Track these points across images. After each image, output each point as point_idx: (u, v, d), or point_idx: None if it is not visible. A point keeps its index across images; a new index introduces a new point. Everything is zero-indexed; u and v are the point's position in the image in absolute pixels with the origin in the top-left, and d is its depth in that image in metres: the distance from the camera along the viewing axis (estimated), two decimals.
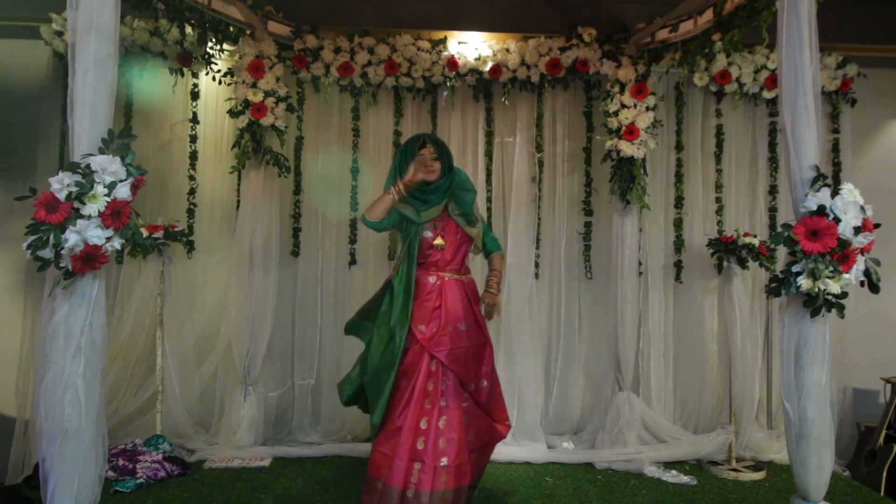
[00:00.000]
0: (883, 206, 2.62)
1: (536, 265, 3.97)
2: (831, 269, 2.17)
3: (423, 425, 2.62)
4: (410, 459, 2.58)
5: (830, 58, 3.93)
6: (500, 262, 3.06)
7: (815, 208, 2.19)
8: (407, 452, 2.57)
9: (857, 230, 2.19)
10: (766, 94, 3.92)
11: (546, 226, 4.00)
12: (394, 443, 2.60)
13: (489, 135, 4.00)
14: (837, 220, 2.17)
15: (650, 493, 3.15)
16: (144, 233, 3.39)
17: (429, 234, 2.81)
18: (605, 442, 3.65)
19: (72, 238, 1.86)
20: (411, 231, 2.81)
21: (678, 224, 3.97)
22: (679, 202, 3.97)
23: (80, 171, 1.89)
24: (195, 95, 3.88)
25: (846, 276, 2.20)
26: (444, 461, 2.59)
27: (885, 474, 3.38)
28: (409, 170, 2.76)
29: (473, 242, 2.92)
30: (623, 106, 3.65)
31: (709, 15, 3.16)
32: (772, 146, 4.02)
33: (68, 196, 1.87)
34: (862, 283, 2.30)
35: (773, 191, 4.01)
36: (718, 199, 3.99)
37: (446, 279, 2.83)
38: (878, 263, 2.30)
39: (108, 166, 1.92)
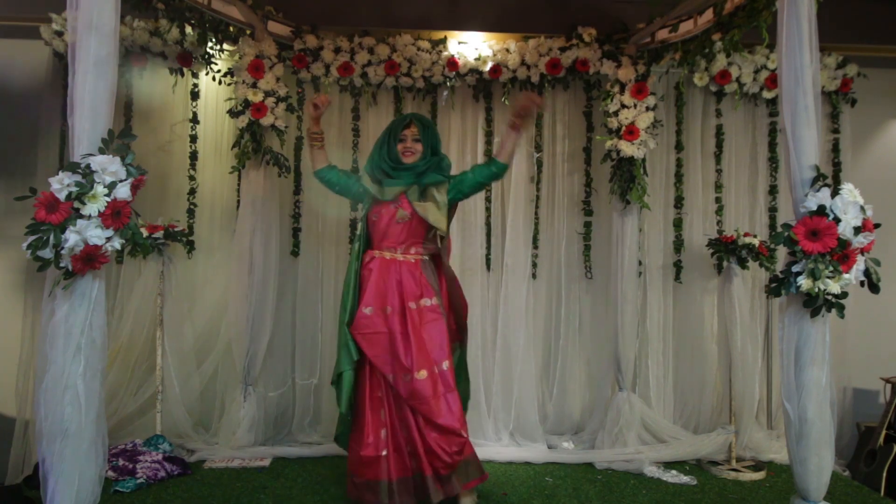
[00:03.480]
0: (883, 206, 2.62)
1: (534, 265, 3.97)
2: (831, 269, 2.18)
3: (381, 416, 2.70)
4: (377, 449, 2.66)
5: (830, 58, 3.92)
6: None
7: (815, 208, 2.19)
8: (373, 444, 2.67)
9: (857, 230, 2.19)
10: (766, 94, 3.91)
11: (545, 226, 4.00)
12: (358, 437, 2.71)
13: (489, 135, 4.00)
14: (837, 220, 2.17)
15: (650, 493, 3.15)
16: (144, 233, 3.39)
17: (371, 208, 2.85)
18: (605, 442, 3.65)
19: (72, 238, 1.87)
20: (364, 205, 2.88)
21: (678, 224, 3.97)
22: (679, 202, 3.97)
23: (80, 171, 1.90)
24: (195, 95, 3.88)
25: (846, 276, 2.20)
26: (384, 452, 2.68)
27: (885, 474, 3.37)
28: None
29: (431, 225, 2.78)
30: (623, 106, 3.64)
31: (709, 15, 3.16)
32: (772, 146, 4.01)
33: (68, 196, 1.88)
34: (862, 283, 2.30)
35: (773, 191, 4.01)
36: (718, 199, 3.99)
37: (385, 257, 2.81)
38: (878, 263, 2.30)
39: (108, 166, 1.93)
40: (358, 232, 2.92)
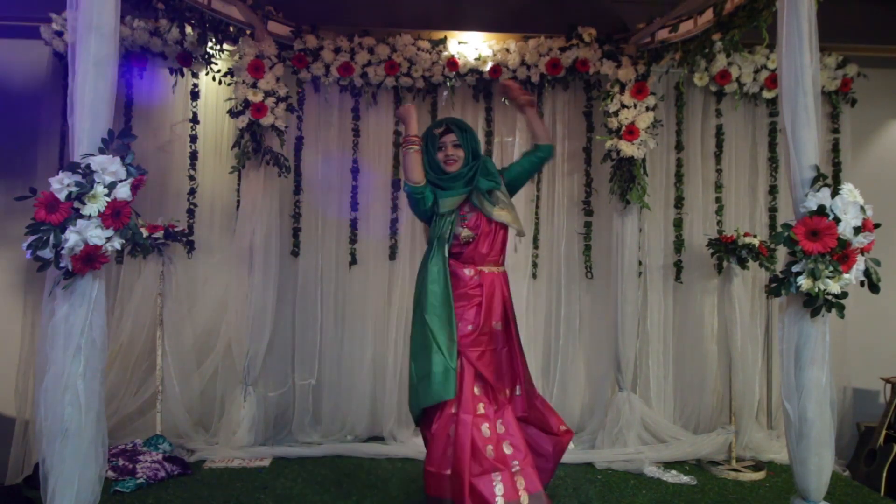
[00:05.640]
0: (883, 206, 2.62)
1: (534, 265, 3.97)
2: (831, 269, 2.17)
3: (485, 432, 2.43)
4: (483, 472, 2.37)
5: (830, 58, 3.92)
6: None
7: (815, 208, 2.19)
8: (473, 465, 2.37)
9: (857, 230, 2.19)
10: (766, 94, 3.91)
11: (545, 226, 4.00)
12: (452, 457, 2.39)
13: (489, 135, 4.00)
14: (837, 220, 2.17)
15: (650, 493, 3.15)
16: (144, 233, 3.39)
17: (459, 227, 2.60)
18: (605, 442, 3.65)
19: (72, 238, 1.87)
20: (442, 221, 2.60)
21: (678, 224, 3.97)
22: (679, 202, 3.97)
23: (80, 171, 1.90)
24: (195, 95, 3.88)
25: (846, 276, 2.20)
26: (515, 466, 2.42)
27: (885, 474, 3.37)
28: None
29: (509, 226, 2.66)
30: (623, 106, 3.64)
31: (709, 15, 3.16)
32: (772, 146, 4.01)
33: (68, 196, 1.88)
34: (862, 283, 2.30)
35: (773, 191, 4.01)
36: (718, 199, 3.99)
37: (485, 272, 2.62)
38: (878, 263, 2.30)
39: (108, 166, 1.93)
40: (434, 244, 2.62)
